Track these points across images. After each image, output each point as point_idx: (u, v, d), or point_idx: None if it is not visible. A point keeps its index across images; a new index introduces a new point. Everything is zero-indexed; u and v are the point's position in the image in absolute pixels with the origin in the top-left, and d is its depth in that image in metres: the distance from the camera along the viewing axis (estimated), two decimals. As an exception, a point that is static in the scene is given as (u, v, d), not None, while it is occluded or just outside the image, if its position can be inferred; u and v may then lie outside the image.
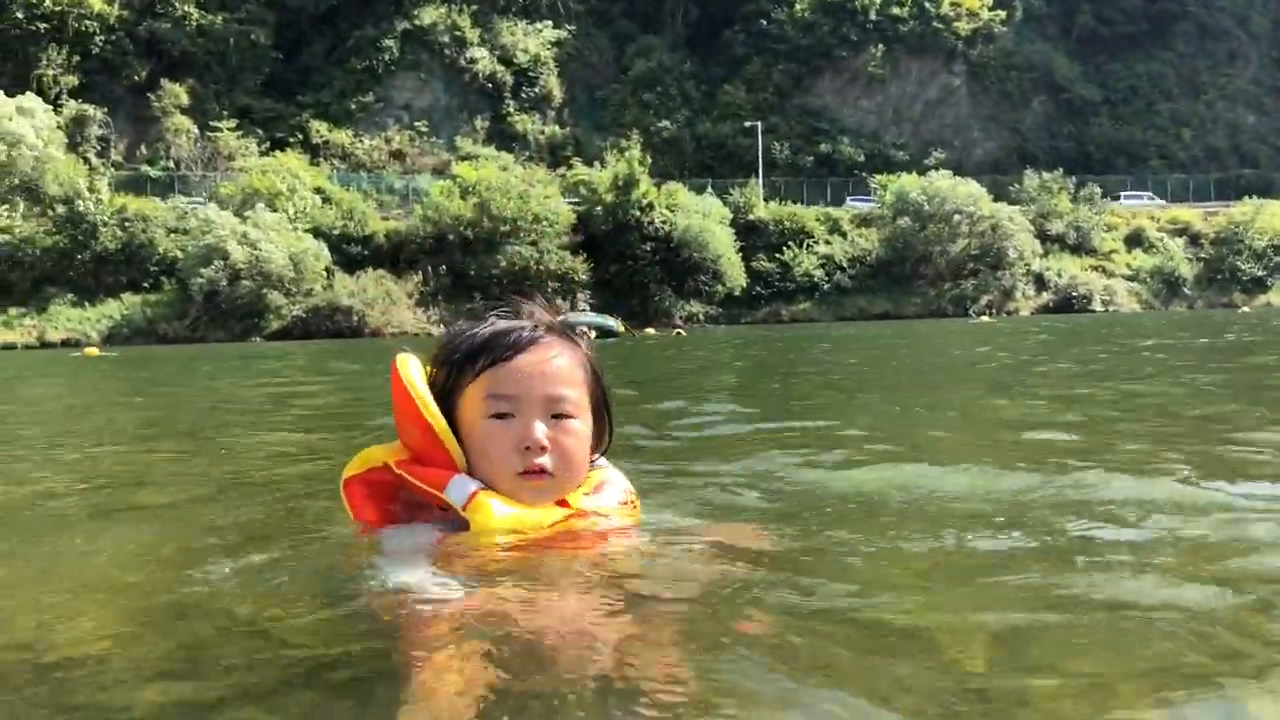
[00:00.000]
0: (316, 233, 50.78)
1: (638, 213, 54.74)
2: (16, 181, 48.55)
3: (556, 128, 75.51)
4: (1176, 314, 46.18)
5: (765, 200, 63.99)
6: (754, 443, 3.96)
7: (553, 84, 76.20)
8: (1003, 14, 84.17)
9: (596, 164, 60.70)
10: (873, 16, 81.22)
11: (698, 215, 55.55)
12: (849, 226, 63.54)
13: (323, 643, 1.51)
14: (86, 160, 55.14)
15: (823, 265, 60.42)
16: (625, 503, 2.06)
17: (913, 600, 1.62)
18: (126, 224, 49.85)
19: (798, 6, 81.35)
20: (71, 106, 59.50)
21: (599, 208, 55.39)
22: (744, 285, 56.83)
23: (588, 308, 48.09)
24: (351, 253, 52.05)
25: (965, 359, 11.73)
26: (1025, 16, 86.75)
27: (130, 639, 1.58)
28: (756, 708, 1.19)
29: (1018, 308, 60.32)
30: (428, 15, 74.03)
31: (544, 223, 52.99)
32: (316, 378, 12.30)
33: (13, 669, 1.47)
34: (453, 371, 1.99)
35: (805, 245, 60.85)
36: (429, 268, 52.05)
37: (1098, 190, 67.66)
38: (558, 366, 1.96)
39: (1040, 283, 63.05)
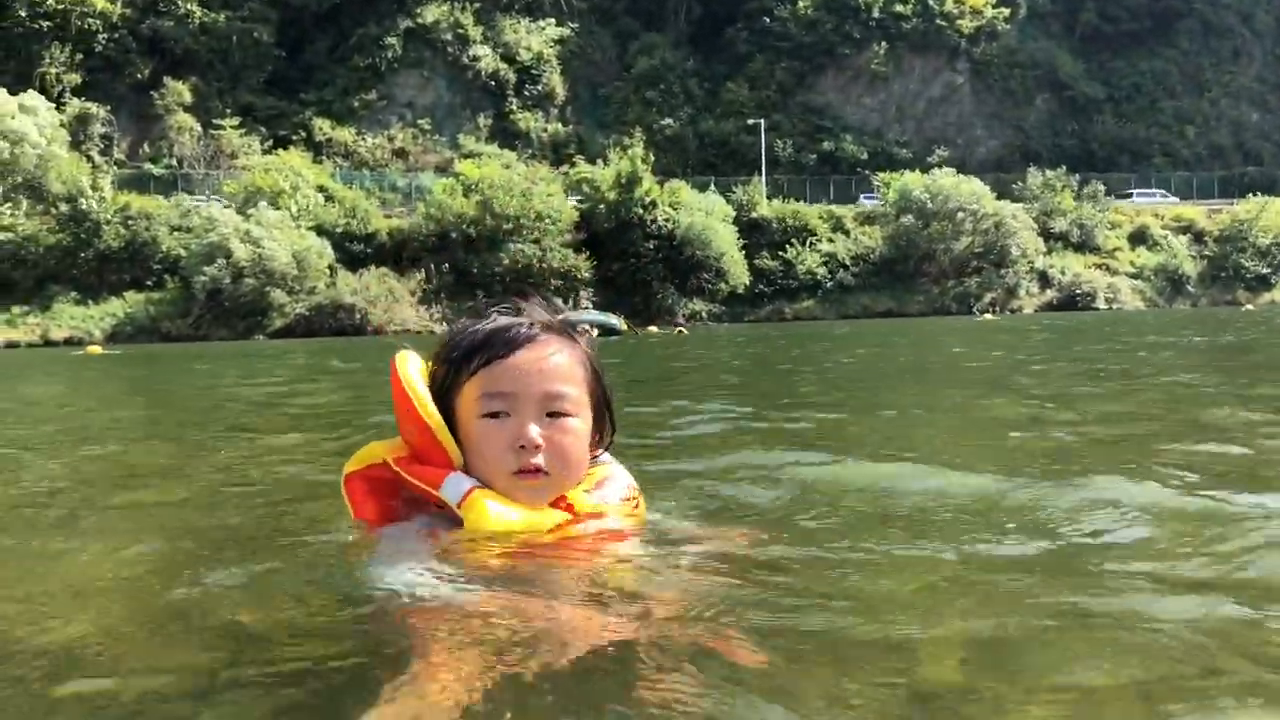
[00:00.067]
0: (319, 231, 50.81)
1: (640, 210, 54.73)
2: (20, 180, 48.57)
3: (559, 125, 75.52)
4: (1180, 312, 46.11)
5: (768, 198, 63.97)
6: (754, 442, 3.96)
7: (555, 82, 76.19)
8: (1006, 11, 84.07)
9: (599, 162, 60.65)
10: (876, 14, 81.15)
11: (700, 213, 55.52)
12: (852, 224, 63.53)
13: (318, 643, 1.52)
14: (89, 158, 55.16)
15: (826, 263, 60.39)
16: (628, 499, 2.05)
17: (897, 611, 1.61)
18: (130, 222, 49.90)
19: (801, 4, 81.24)
20: (74, 105, 59.57)
21: (602, 205, 55.38)
22: (747, 283, 56.81)
23: (590, 306, 48.06)
24: (354, 251, 52.08)
25: (966, 357, 11.71)
26: (1029, 14, 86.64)
27: (126, 638, 1.59)
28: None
29: (1021, 306, 60.28)
30: (430, 13, 74.03)
31: (547, 221, 52.98)
32: (317, 376, 12.31)
33: (4, 668, 1.47)
34: (452, 369, 1.99)
35: (808, 243, 60.83)
36: (432, 266, 52.07)
37: (1101, 188, 67.56)
38: (555, 364, 1.96)
39: (1044, 281, 63.00)
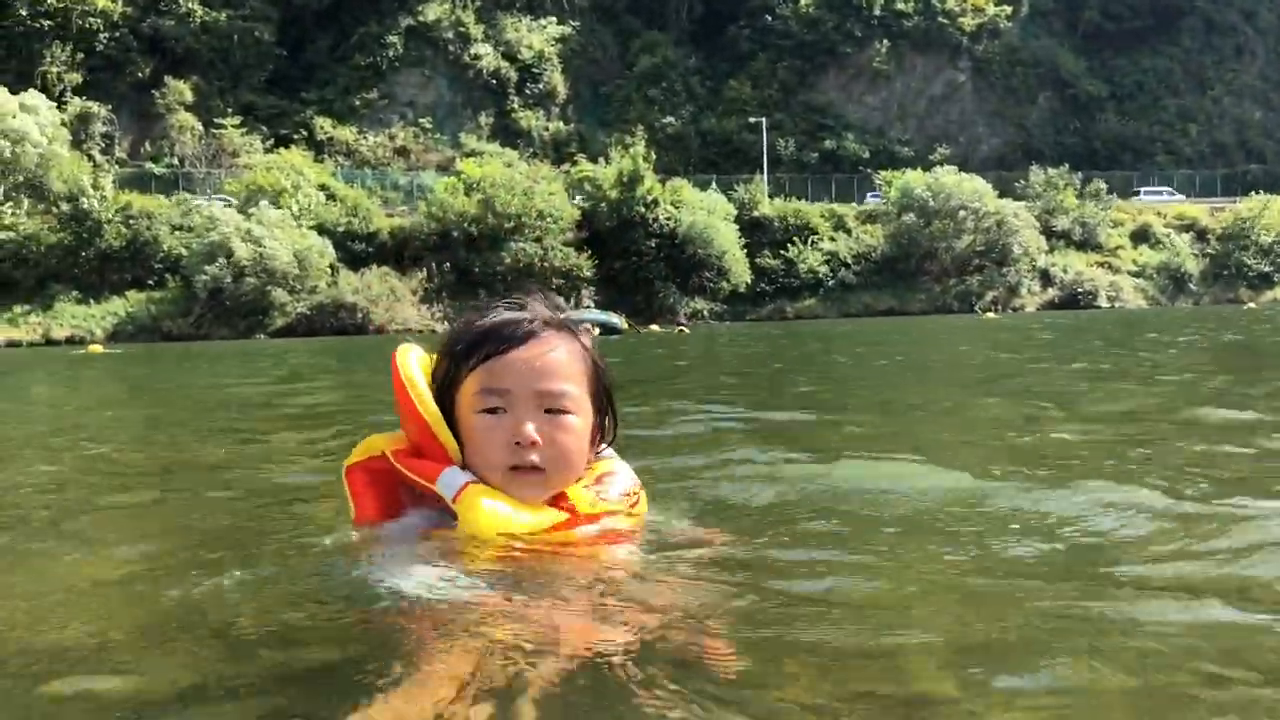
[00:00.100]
0: (321, 230, 50.82)
1: (642, 209, 54.73)
2: (21, 179, 48.61)
3: (561, 124, 75.55)
4: (1182, 310, 46.07)
5: (770, 196, 63.98)
6: (754, 441, 3.96)
7: (557, 80, 76.21)
8: (1008, 9, 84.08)
9: (601, 160, 60.66)
10: (877, 12, 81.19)
11: (702, 211, 55.52)
12: (854, 223, 63.52)
13: (315, 644, 1.52)
14: (91, 157, 55.18)
15: (827, 262, 60.40)
16: (628, 494, 2.04)
17: (887, 615, 1.60)
18: (131, 221, 49.92)
19: (802, 2, 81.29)
20: (75, 104, 59.60)
21: (603, 204, 55.40)
22: (748, 282, 56.82)
23: (592, 304, 48.07)
24: (356, 249, 52.10)
25: (966, 356, 11.70)
26: (1031, 12, 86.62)
27: (123, 638, 1.59)
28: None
29: (1023, 304, 60.25)
30: (432, 11, 74.03)
31: (548, 219, 52.99)
32: (318, 375, 12.32)
33: (1, 667, 1.47)
34: (453, 363, 1.99)
35: (810, 242, 60.84)
36: (433, 264, 52.09)
37: (1103, 186, 67.53)
38: (554, 360, 1.94)
39: (1046, 279, 62.96)
